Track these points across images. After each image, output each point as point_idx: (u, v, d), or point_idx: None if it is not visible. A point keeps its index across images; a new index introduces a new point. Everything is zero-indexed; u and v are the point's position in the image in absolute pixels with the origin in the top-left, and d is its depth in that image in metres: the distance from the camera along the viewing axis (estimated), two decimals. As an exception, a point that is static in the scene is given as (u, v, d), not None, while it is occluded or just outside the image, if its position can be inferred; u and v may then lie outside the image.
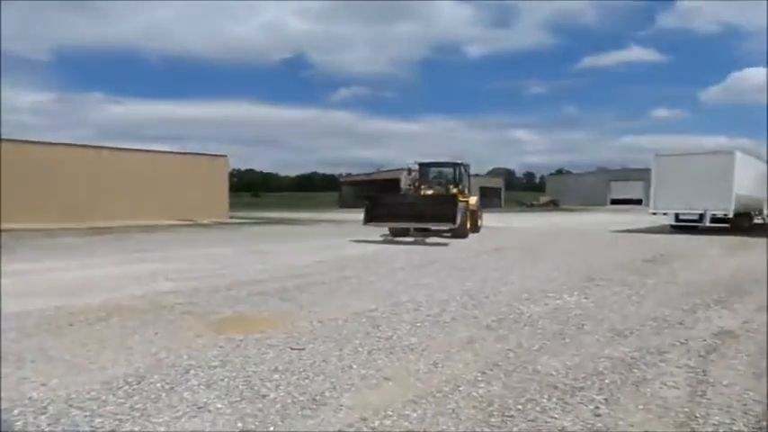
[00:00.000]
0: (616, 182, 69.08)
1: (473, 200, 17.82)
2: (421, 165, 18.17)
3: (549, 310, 5.67)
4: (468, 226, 16.45)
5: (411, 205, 15.64)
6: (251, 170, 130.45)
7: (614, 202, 66.26)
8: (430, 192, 16.48)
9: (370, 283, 7.39)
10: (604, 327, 4.97)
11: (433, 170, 18.00)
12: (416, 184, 17.55)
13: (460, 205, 15.36)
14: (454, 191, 16.63)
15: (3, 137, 23.09)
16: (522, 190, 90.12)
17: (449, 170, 17.77)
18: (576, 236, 16.92)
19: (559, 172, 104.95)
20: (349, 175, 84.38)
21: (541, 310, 5.71)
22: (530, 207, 48.93)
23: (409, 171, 18.20)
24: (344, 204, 64.36)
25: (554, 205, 63.60)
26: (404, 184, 18.49)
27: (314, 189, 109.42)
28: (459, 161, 17.64)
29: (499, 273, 8.45)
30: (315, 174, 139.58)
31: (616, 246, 13.24)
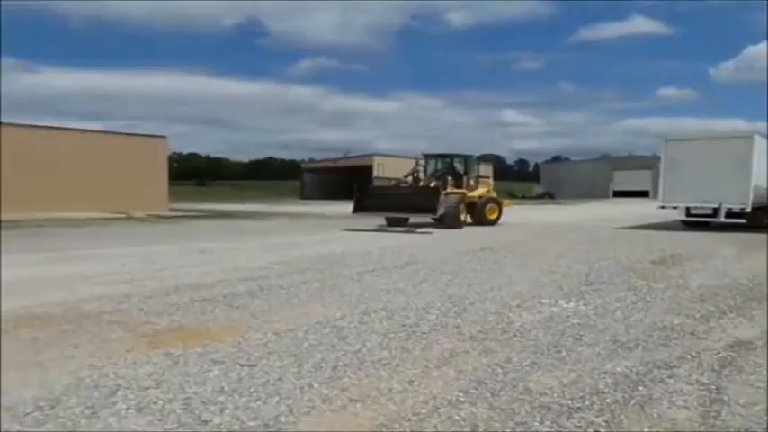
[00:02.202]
0: (620, 171, 70.68)
1: (480, 191, 20.55)
2: (427, 156, 21.26)
3: (543, 319, 5.73)
4: (475, 218, 19.69)
5: (399, 197, 18.85)
6: (195, 154, 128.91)
7: (618, 194, 67.61)
8: (433, 183, 19.25)
9: (336, 288, 7.39)
10: (606, 338, 5.05)
11: (439, 162, 20.79)
12: (416, 175, 20.23)
13: (453, 198, 18.60)
14: (433, 183, 19.14)
15: None
16: (513, 180, 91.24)
17: (457, 162, 20.73)
18: (575, 233, 17.22)
19: (556, 159, 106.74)
20: (312, 161, 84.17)
21: (534, 318, 5.77)
22: (521, 200, 49.74)
23: (417, 163, 21.10)
24: (307, 195, 64.25)
25: (549, 198, 64.60)
26: (404, 176, 20.87)
27: (271, 177, 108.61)
28: (466, 154, 21.08)
29: (486, 275, 8.53)
30: (271, 159, 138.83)
31: (620, 244, 13.51)
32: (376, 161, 57.80)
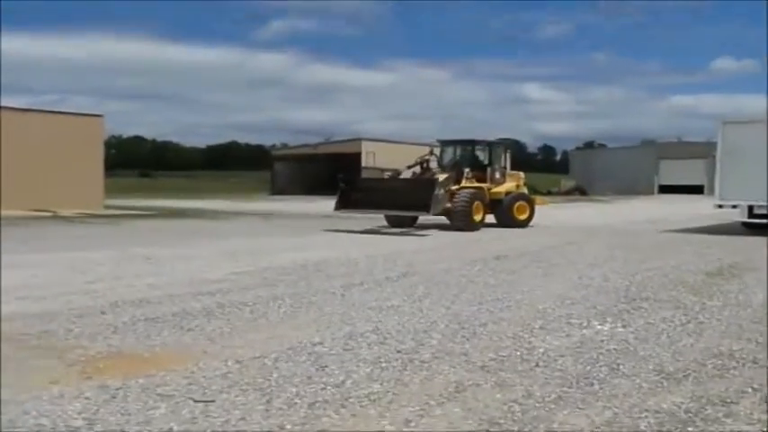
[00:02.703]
0: (667, 161, 70.98)
1: (507, 186, 20.60)
2: (443, 143, 21.51)
3: (572, 344, 5.76)
4: (501, 218, 19.96)
5: (390, 191, 19.10)
6: (139, 138, 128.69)
7: (665, 189, 67.96)
8: (442, 175, 19.39)
9: (314, 306, 7.39)
10: (648, 367, 5.08)
11: (458, 149, 21.07)
12: (425, 165, 20.47)
13: (465, 193, 18.64)
14: (443, 175, 19.16)
15: None
16: (536, 170, 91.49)
17: (479, 150, 20.94)
18: (612, 237, 17.30)
19: (588, 146, 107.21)
20: (285, 146, 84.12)
21: (561, 343, 5.80)
22: (545, 196, 49.90)
23: (430, 151, 21.39)
24: (279, 189, 64.12)
25: (580, 194, 64.86)
26: (409, 165, 20.99)
27: (233, 167, 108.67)
28: (492, 140, 21.55)
29: (501, 289, 8.57)
30: (234, 144, 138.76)
31: (667, 252, 13.62)
32: (365, 147, 57.98)
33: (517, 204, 20.40)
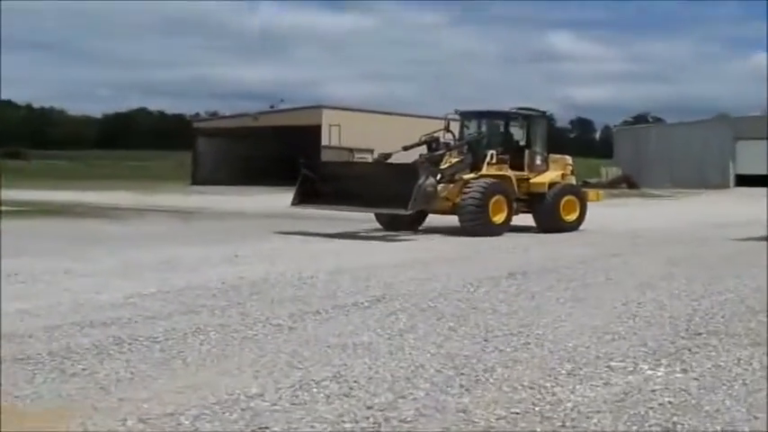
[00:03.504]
0: (746, 141, 71.29)
1: (551, 176, 20.95)
2: (463, 115, 21.70)
3: (613, 396, 5.78)
4: (543, 219, 20.47)
5: (365, 181, 19.37)
6: (8, 103, 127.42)
7: (744, 180, 68.29)
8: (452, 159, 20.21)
9: (252, 342, 7.35)
10: (716, 428, 5.11)
11: (483, 124, 21.48)
12: (436, 144, 20.36)
13: (478, 184, 18.81)
14: (452, 159, 19.89)
15: None
16: (568, 151, 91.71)
17: (514, 125, 21.33)
18: (672, 246, 17.41)
19: (640, 120, 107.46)
20: (214, 116, 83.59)
21: (597, 395, 5.81)
22: (584, 186, 49.51)
23: (447, 124, 21.50)
24: (204, 176, 63.63)
25: (628, 186, 65.04)
26: (406, 146, 21.10)
27: (139, 144, 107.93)
28: (530, 111, 21.83)
29: (515, 321, 8.59)
30: (141, 112, 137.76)
31: (745, 268, 13.66)
32: (327, 119, 57.70)
33: (564, 200, 20.60)
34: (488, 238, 18.01)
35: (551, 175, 20.92)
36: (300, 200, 19.54)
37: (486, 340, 7.57)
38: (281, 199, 19.88)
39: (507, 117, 21.44)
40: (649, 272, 12.95)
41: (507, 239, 18.25)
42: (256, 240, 17.58)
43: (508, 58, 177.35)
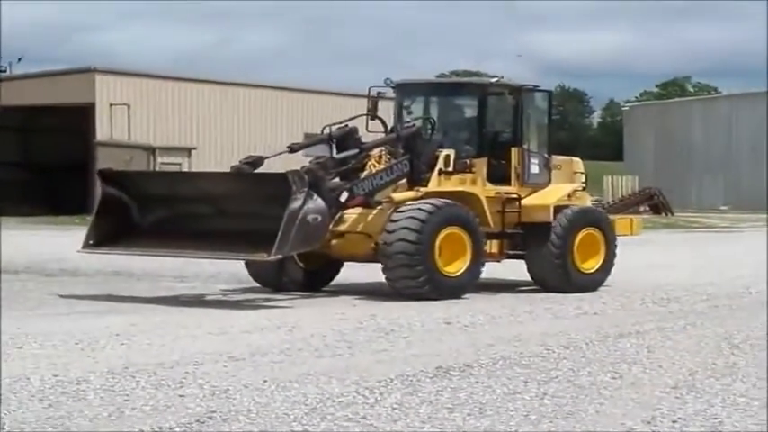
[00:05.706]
0: None
1: (556, 193, 15.55)
2: (400, 88, 15.91)
3: None
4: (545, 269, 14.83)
5: (218, 202, 13.88)
6: None
7: None
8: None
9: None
10: None
11: (434, 104, 16.18)
12: (355, 140, 14.88)
13: (412, 212, 13.26)
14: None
15: None
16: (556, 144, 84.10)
17: (491, 105, 15.21)
18: (724, 319, 13.26)
19: (669, 89, 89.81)
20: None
21: None
22: (598, 205, 35.33)
23: (373, 103, 15.78)
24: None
25: (651, 208, 50.06)
26: (296, 147, 15.12)
27: None
28: (525, 84, 15.73)
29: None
30: None
31: None
32: (104, 92, 38.34)
33: (581, 235, 14.92)
34: (432, 304, 12.89)
35: (557, 192, 15.19)
36: (100, 239, 13.68)
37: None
38: (50, 237, 15.65)
39: (481, 91, 15.28)
40: (686, 362, 9.59)
41: (468, 304, 13.36)
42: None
43: (485, 19, 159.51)
